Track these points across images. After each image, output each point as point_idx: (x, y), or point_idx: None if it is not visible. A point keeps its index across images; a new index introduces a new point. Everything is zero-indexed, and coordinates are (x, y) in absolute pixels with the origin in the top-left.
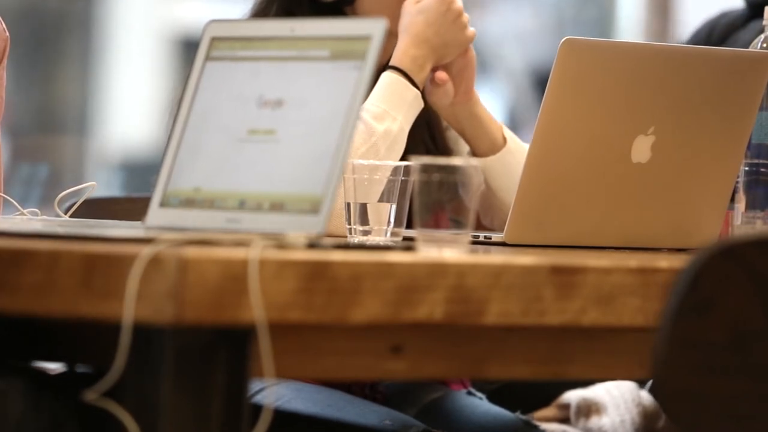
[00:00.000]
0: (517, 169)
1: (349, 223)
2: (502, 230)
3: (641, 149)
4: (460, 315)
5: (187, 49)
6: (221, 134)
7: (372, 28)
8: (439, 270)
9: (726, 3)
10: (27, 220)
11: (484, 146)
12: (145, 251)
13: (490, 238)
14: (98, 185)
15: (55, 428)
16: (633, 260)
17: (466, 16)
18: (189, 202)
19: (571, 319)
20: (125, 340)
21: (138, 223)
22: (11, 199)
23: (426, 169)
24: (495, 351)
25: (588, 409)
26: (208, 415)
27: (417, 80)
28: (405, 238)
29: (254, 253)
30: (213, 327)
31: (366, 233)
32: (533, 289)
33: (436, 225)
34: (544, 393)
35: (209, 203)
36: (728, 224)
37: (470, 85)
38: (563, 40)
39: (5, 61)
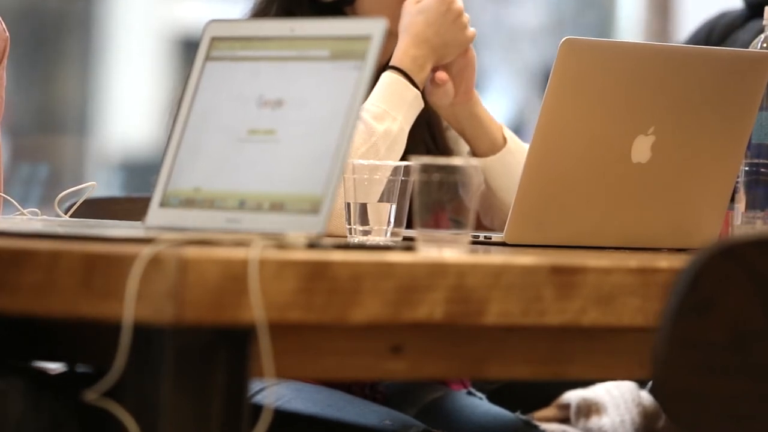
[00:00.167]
0: (517, 169)
1: (349, 223)
2: (502, 230)
3: (641, 149)
4: (460, 315)
5: (187, 49)
6: (221, 134)
7: (372, 28)
8: (439, 270)
9: (725, 3)
10: (27, 220)
11: (484, 146)
12: (145, 251)
13: (490, 238)
14: (98, 185)
15: (55, 428)
16: (633, 260)
17: (466, 16)
18: (189, 202)
19: (571, 319)
20: (125, 340)
21: (138, 223)
22: (11, 199)
23: (426, 169)
24: (495, 351)
25: (588, 409)
26: (208, 415)
27: (417, 80)
28: (405, 238)
29: (254, 253)
30: (213, 327)
31: (366, 233)
32: (533, 289)
33: (436, 225)
34: (544, 393)
35: (209, 203)
36: (728, 224)
37: (470, 85)
38: (563, 40)
39: (5, 61)
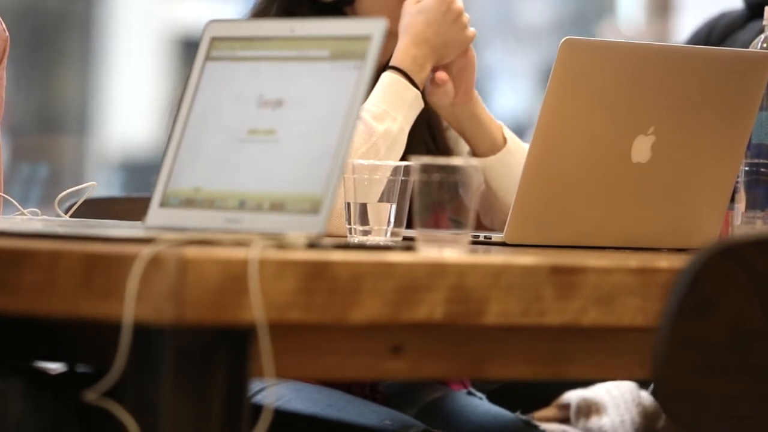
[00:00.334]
0: (517, 169)
1: (349, 223)
2: (502, 230)
3: (641, 149)
4: (460, 315)
5: (187, 49)
6: (221, 134)
7: (372, 28)
8: (439, 270)
9: (725, 3)
10: (27, 220)
11: (484, 146)
12: (145, 251)
13: (490, 238)
14: (98, 185)
15: (55, 428)
16: (633, 260)
17: (466, 16)
18: (189, 202)
19: (571, 319)
20: (125, 340)
21: (138, 223)
22: (11, 199)
23: (426, 169)
24: (495, 351)
25: (588, 409)
26: (208, 415)
27: (417, 80)
28: (405, 238)
29: (254, 253)
30: (213, 327)
31: (366, 233)
32: (533, 289)
33: (436, 225)
34: (544, 393)
35: (209, 203)
36: (728, 224)
37: (470, 85)
38: (563, 40)
39: (5, 61)
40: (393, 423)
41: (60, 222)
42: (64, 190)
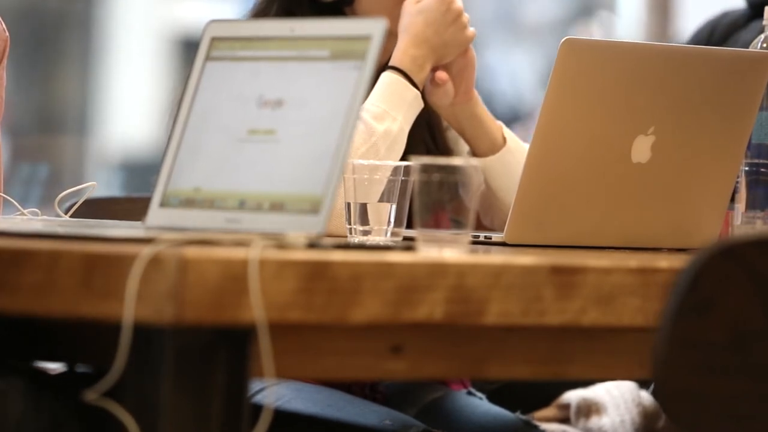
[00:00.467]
0: (517, 168)
1: (349, 223)
2: (502, 230)
3: (641, 149)
4: (460, 315)
5: (187, 49)
6: (221, 134)
7: (372, 28)
8: (439, 270)
9: (726, 3)
10: (27, 220)
11: (484, 146)
12: (145, 251)
13: (490, 238)
14: (98, 185)
15: (55, 428)
16: (633, 260)
17: (466, 16)
18: (189, 202)
19: (571, 319)
20: (125, 340)
21: (138, 223)
22: (11, 199)
23: (426, 169)
24: (495, 351)
25: (588, 409)
26: (208, 415)
27: (417, 80)
28: (405, 238)
29: (254, 253)
30: (213, 327)
31: (366, 233)
32: (533, 289)
33: (436, 225)
34: (544, 393)
35: (209, 203)
36: (728, 224)
37: (470, 85)
38: (563, 39)
39: (5, 61)
40: (393, 423)
41: (60, 222)
42: (64, 190)
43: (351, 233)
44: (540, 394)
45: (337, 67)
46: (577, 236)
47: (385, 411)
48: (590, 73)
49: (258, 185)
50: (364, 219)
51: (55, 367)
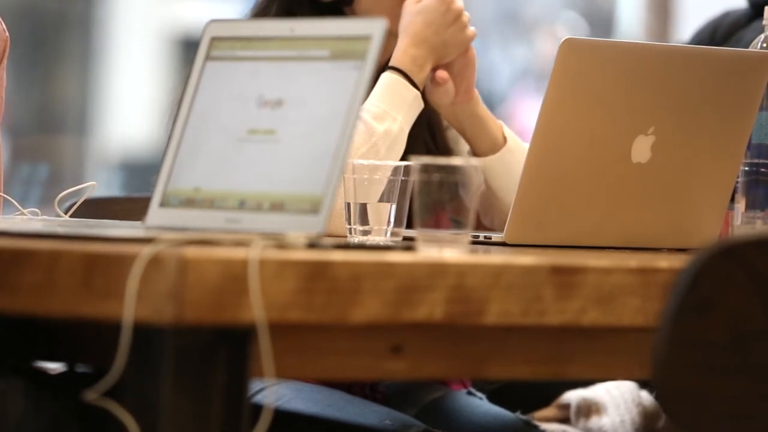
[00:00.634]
0: (517, 168)
1: (349, 223)
2: (502, 230)
3: (641, 149)
4: (460, 315)
5: (187, 49)
6: (221, 134)
7: (372, 27)
8: (439, 270)
9: (726, 3)
10: (27, 220)
11: (485, 145)
12: (145, 251)
13: (490, 238)
14: (98, 185)
15: (55, 428)
16: (633, 260)
17: (466, 16)
18: (189, 202)
19: (571, 319)
20: (125, 340)
21: (138, 223)
22: (11, 199)
23: (426, 169)
24: (495, 351)
25: (588, 409)
26: (208, 415)
27: (417, 80)
28: (405, 238)
29: (254, 253)
30: (213, 327)
31: (366, 233)
32: (533, 289)
33: (436, 225)
34: (544, 393)
35: (209, 203)
36: (728, 224)
37: (471, 85)
38: (563, 39)
39: (5, 61)
40: (393, 423)
41: (60, 222)
42: (64, 190)
43: (351, 233)
44: (540, 394)
45: (337, 67)
46: (577, 236)
47: (385, 411)
48: (590, 73)
49: (258, 185)
50: (364, 219)
51: (55, 367)
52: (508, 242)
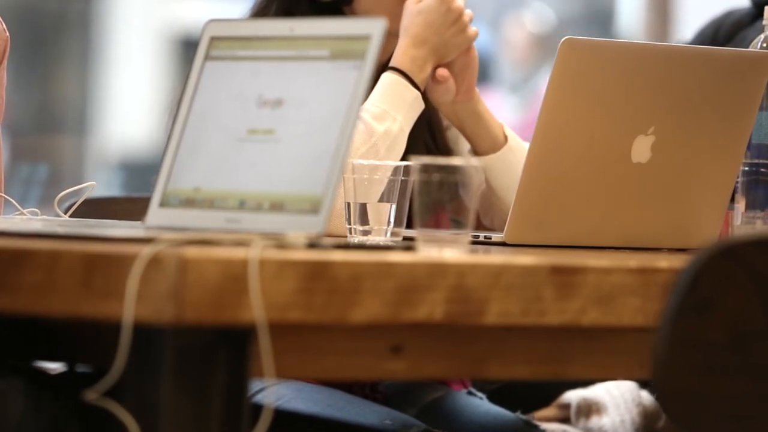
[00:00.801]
0: (517, 167)
1: (349, 223)
2: (502, 230)
3: (641, 149)
4: (460, 315)
5: (187, 48)
6: (221, 134)
7: (371, 27)
8: (439, 270)
9: (726, 3)
10: (27, 220)
11: (485, 144)
12: (145, 251)
13: (490, 238)
14: (98, 185)
15: (55, 428)
16: (633, 260)
17: (467, 15)
18: (189, 202)
19: (571, 319)
20: (125, 340)
21: (138, 223)
22: (11, 199)
23: (426, 169)
24: (495, 351)
25: (588, 409)
26: (208, 415)
27: (417, 81)
28: (405, 238)
29: (254, 253)
30: (213, 327)
31: (366, 233)
32: (533, 289)
33: (436, 225)
34: (544, 393)
35: (209, 203)
36: (728, 224)
37: (472, 84)
38: (563, 39)
39: (6, 61)
40: (393, 423)
41: (60, 222)
42: (64, 190)
43: (351, 233)
44: (540, 394)
45: (337, 66)
46: (577, 236)
47: (385, 411)
48: (590, 73)
49: (258, 185)
50: (364, 219)
51: (55, 367)
52: (508, 242)
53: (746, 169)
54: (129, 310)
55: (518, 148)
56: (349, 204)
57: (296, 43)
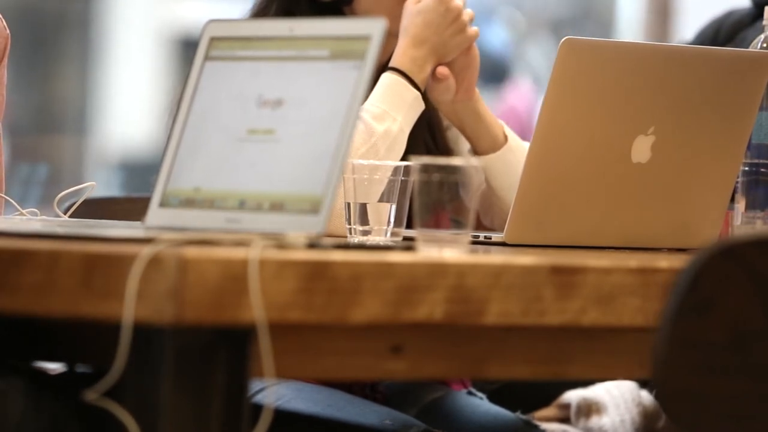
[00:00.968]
0: (517, 167)
1: (349, 223)
2: (502, 230)
3: (641, 149)
4: (460, 315)
5: (187, 48)
6: (221, 134)
7: (371, 27)
8: (439, 270)
9: (726, 3)
10: (27, 220)
11: (486, 143)
12: (145, 251)
13: (490, 238)
14: (98, 185)
15: (55, 428)
16: (633, 260)
17: (468, 14)
18: (189, 202)
19: (571, 319)
20: (125, 340)
21: (138, 223)
22: (10, 199)
23: (426, 169)
24: (495, 351)
25: (588, 409)
26: (208, 415)
27: (417, 81)
28: (405, 238)
29: (254, 253)
30: (213, 327)
31: (366, 233)
32: (533, 289)
33: (436, 225)
34: (544, 393)
35: (209, 203)
36: (728, 224)
37: (472, 83)
38: (563, 39)
39: (6, 59)
40: (393, 423)
41: (59, 222)
42: (64, 190)
43: (351, 233)
44: (540, 394)
45: (337, 66)
46: (577, 236)
47: (385, 411)
48: (590, 73)
49: (258, 185)
50: (364, 219)
51: (55, 367)
52: (508, 242)
53: (746, 169)
54: (129, 310)
55: (518, 148)
56: (349, 204)
57: (296, 43)
